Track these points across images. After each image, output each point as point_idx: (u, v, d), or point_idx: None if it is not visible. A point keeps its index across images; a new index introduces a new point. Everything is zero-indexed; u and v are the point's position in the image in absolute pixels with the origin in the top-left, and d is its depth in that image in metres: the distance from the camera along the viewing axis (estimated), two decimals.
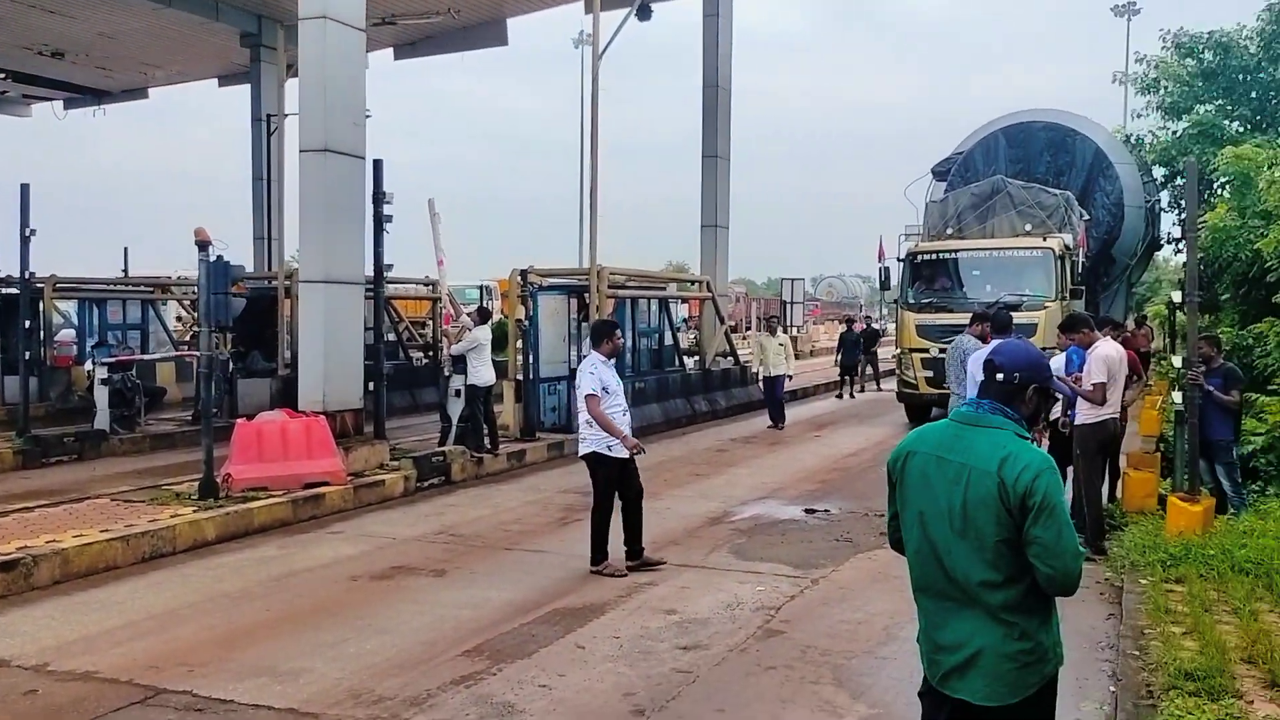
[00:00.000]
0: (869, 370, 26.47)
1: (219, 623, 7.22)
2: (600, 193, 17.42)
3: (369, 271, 13.17)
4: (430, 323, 22.86)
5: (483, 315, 14.18)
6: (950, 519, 3.28)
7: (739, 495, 11.90)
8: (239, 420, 11.69)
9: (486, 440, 13.61)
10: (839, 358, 25.44)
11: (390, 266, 13.76)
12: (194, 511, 9.88)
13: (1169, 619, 6.42)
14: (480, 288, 32.03)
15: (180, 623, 7.19)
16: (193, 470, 11.37)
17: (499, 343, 18.69)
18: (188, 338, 23.24)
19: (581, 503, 11.50)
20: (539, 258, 43.99)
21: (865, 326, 28.01)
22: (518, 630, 6.98)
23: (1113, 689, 5.58)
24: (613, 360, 8.57)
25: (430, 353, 22.12)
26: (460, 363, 13.44)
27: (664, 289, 21.20)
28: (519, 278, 15.41)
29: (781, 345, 18.74)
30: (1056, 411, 9.59)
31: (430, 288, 21.26)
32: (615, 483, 8.47)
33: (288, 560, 9.05)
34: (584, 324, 16.87)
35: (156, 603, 7.69)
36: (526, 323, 15.15)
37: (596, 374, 8.31)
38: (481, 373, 13.48)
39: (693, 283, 23.64)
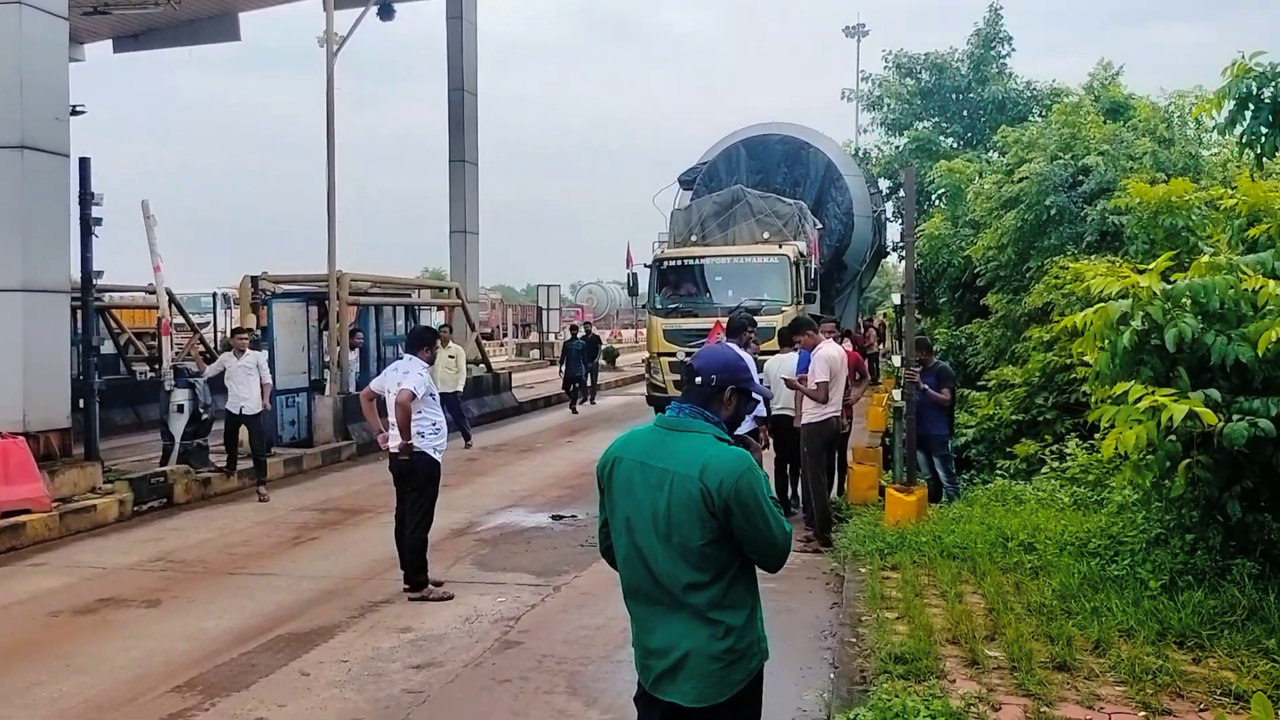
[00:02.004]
0: (589, 383, 24.06)
1: None
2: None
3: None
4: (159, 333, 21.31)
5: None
6: (655, 524, 3.27)
7: (485, 505, 11.70)
8: None
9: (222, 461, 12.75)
10: (563, 369, 23.06)
11: (100, 273, 12.68)
12: None
13: (884, 605, 6.75)
14: (214, 295, 30.19)
15: None
16: None
17: None
18: None
19: (317, 520, 11.01)
20: (289, 262, 42.11)
21: (586, 333, 25.04)
22: (236, 660, 6.52)
23: (832, 676, 5.79)
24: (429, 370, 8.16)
25: (156, 365, 20.63)
26: (182, 378, 12.54)
27: (410, 295, 20.69)
28: (250, 285, 14.58)
29: (452, 358, 16.20)
30: (777, 408, 9.96)
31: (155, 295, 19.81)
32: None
33: None
34: (324, 332, 16.23)
35: None
36: (259, 332, 14.34)
37: (425, 376, 7.89)
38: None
39: (442, 289, 23.22)
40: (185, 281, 27.34)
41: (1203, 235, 10.99)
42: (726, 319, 11.53)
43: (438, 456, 7.96)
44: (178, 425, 12.54)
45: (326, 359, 16.35)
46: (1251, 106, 7.48)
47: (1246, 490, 6.34)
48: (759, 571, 3.36)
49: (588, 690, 5.90)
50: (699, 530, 3.21)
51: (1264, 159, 7.65)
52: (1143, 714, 4.83)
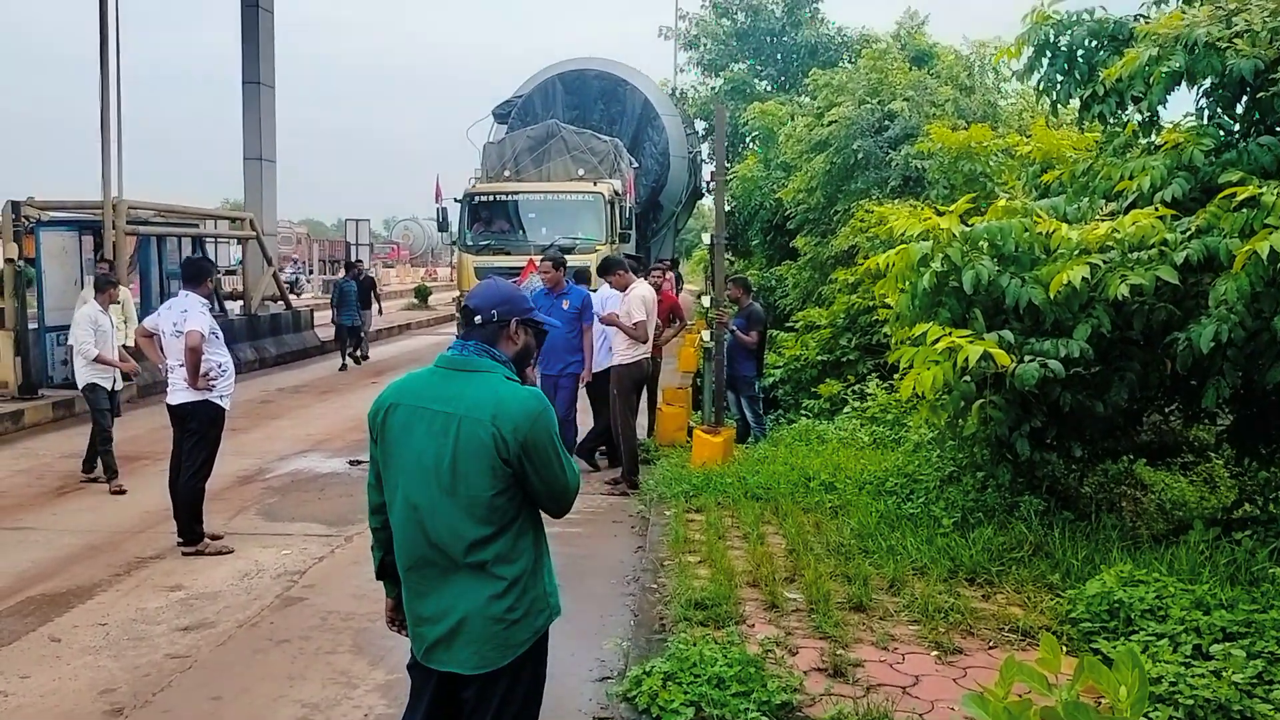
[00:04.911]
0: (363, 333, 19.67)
1: None
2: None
3: None
4: None
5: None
6: (437, 476, 2.94)
7: (279, 450, 11.03)
8: None
9: None
10: (335, 316, 18.78)
11: None
12: None
13: (687, 549, 6.62)
14: None
15: None
16: None
17: None
18: None
19: None
20: (63, 191, 38.79)
21: (359, 274, 20.12)
22: None
23: (632, 624, 5.62)
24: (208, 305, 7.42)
25: None
26: None
27: (199, 226, 19.31)
28: (11, 210, 13.18)
29: (118, 304, 10.79)
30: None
31: None
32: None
33: None
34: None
35: None
36: (22, 263, 13.03)
37: (208, 315, 7.21)
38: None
39: (235, 220, 21.81)
40: None
41: (999, 181, 11.34)
42: (540, 257, 11.12)
43: (223, 402, 7.34)
44: None
45: None
46: (1049, 53, 7.60)
47: (1035, 429, 6.50)
48: (546, 519, 3.12)
49: (374, 649, 5.53)
50: (489, 480, 2.91)
51: (1059, 106, 7.80)
52: (935, 653, 4.85)
